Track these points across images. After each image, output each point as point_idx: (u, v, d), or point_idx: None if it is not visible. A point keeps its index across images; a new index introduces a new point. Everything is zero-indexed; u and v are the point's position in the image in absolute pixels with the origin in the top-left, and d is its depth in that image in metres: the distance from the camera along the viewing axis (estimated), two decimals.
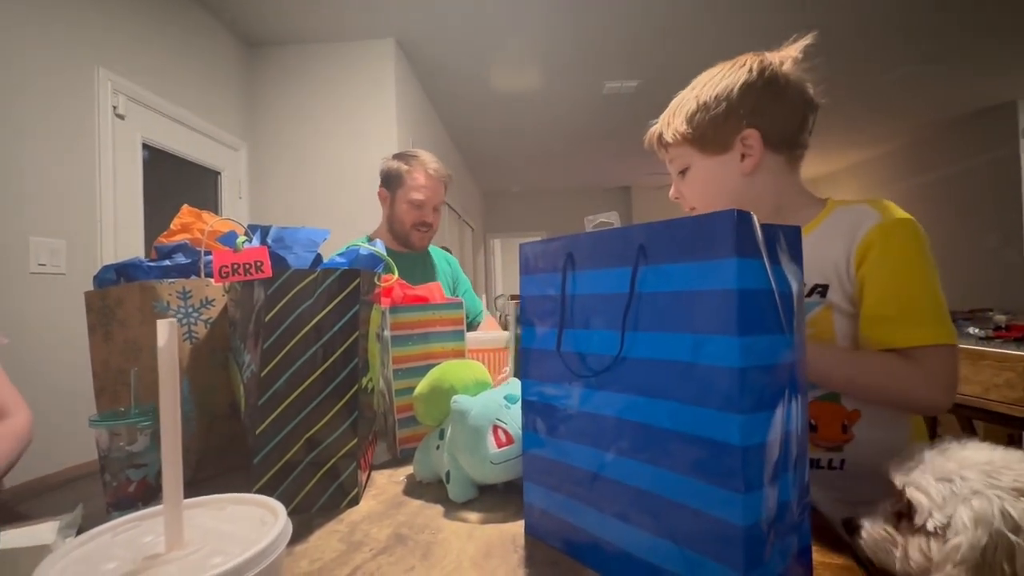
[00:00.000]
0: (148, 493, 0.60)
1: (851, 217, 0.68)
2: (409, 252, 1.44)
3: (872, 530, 0.45)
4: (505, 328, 1.11)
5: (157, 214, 2.18)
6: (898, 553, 0.42)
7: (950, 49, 3.35)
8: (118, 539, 0.25)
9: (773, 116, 0.68)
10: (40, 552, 0.45)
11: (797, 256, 0.41)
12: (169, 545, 0.24)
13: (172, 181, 2.37)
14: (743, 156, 0.70)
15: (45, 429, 1.71)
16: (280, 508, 0.27)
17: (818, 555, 0.44)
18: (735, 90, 0.68)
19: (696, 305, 0.36)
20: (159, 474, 0.61)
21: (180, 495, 0.25)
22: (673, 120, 0.73)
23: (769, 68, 0.68)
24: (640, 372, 0.41)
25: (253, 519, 0.26)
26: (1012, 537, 0.36)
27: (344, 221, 2.85)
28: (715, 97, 0.69)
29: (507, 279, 9.25)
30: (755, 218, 0.36)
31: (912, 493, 0.42)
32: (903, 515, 0.44)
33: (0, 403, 0.85)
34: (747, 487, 0.34)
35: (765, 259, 0.36)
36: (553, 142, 5.17)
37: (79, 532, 0.55)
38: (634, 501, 0.41)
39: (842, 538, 0.49)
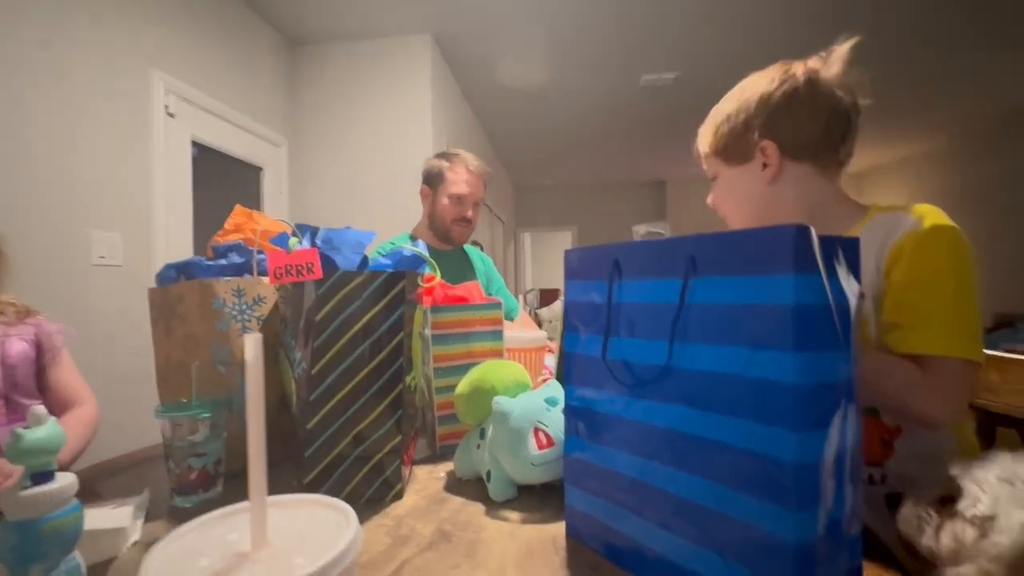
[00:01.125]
0: (208, 481, 0.64)
1: (888, 223, 0.66)
2: (448, 250, 1.47)
3: (913, 507, 0.44)
4: (538, 324, 1.11)
5: (204, 209, 2.28)
6: (929, 531, 0.42)
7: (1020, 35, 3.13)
8: (207, 535, 0.28)
9: (791, 127, 0.69)
10: (117, 534, 0.49)
11: (855, 268, 0.39)
12: (255, 544, 0.26)
13: (218, 177, 2.47)
14: (764, 165, 0.71)
15: (108, 414, 1.83)
16: (351, 513, 0.28)
17: (869, 573, 0.43)
18: (753, 102, 0.70)
19: (751, 319, 0.36)
20: (217, 463, 0.65)
21: (265, 497, 0.27)
22: (704, 131, 0.76)
23: (791, 79, 0.69)
24: (689, 383, 0.40)
25: (327, 522, 0.28)
26: None
27: (382, 215, 2.91)
28: (736, 109, 0.72)
29: (537, 273, 9.25)
30: (813, 232, 0.35)
31: (964, 483, 0.42)
32: (948, 500, 0.43)
33: (71, 393, 0.92)
34: (799, 505, 0.34)
35: (823, 273, 0.36)
36: (587, 135, 5.12)
37: (146, 514, 0.59)
38: (678, 510, 0.41)
39: (893, 555, 0.48)
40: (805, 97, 0.68)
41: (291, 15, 2.76)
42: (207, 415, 0.63)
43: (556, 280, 9.09)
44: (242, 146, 2.58)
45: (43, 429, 0.42)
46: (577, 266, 0.51)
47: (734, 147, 0.73)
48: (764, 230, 0.36)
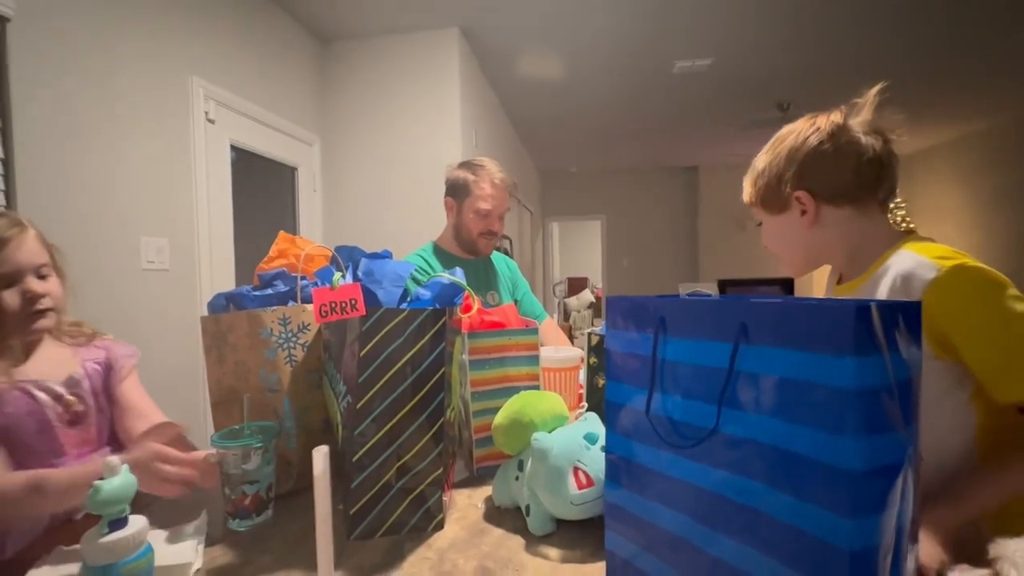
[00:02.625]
0: (260, 505, 0.67)
1: (899, 273, 0.67)
2: (473, 259, 1.46)
3: None
4: (564, 327, 1.11)
5: (243, 210, 2.35)
6: None
7: None
8: None
9: (821, 176, 0.73)
10: (184, 569, 0.52)
11: (916, 336, 0.38)
12: None
13: (254, 178, 2.54)
14: (803, 212, 0.75)
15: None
16: None
17: None
18: (783, 156, 0.75)
19: (808, 396, 0.35)
20: (268, 488, 0.68)
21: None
22: (745, 183, 0.81)
23: (816, 132, 0.73)
24: (737, 450, 0.40)
25: None
26: None
27: (413, 210, 2.94)
28: (768, 164, 0.77)
29: (565, 263, 9.20)
30: (874, 309, 0.34)
31: (1003, 567, 0.40)
32: None
33: (143, 417, 0.91)
34: None
35: (885, 352, 0.34)
36: (617, 123, 5.01)
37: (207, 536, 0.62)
38: (722, 574, 0.41)
39: None
40: (830, 148, 0.72)
41: (321, 14, 2.78)
42: (260, 444, 0.65)
43: (584, 268, 9.02)
44: (277, 147, 2.63)
45: (118, 479, 0.45)
46: (620, 316, 0.51)
47: (772, 199, 0.77)
48: (822, 307, 0.35)
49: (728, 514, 0.41)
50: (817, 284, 5.81)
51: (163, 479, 0.61)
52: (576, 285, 8.27)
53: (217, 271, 2.16)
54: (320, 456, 0.26)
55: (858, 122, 0.72)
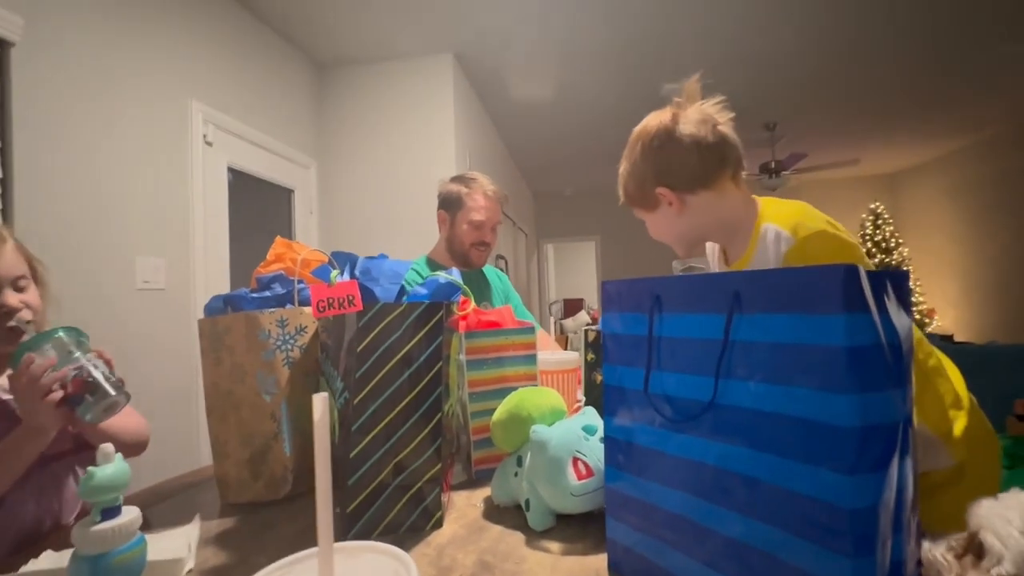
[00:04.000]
0: (86, 387, 0.66)
1: (772, 238, 0.76)
2: (465, 271, 1.47)
3: (930, 551, 0.42)
4: (558, 339, 1.11)
5: (239, 231, 2.37)
6: None
7: None
8: None
9: (673, 171, 0.80)
10: (175, 564, 0.51)
11: (905, 302, 0.39)
12: None
13: (251, 199, 2.56)
14: (669, 204, 0.83)
15: (155, 434, 1.89)
16: (412, 564, 0.29)
17: None
18: (638, 160, 0.83)
19: (801, 359, 0.36)
20: (89, 373, 0.66)
21: (332, 548, 0.28)
22: (619, 189, 0.89)
23: (656, 134, 0.80)
24: (736, 420, 0.40)
25: (388, 570, 0.29)
26: None
27: (408, 230, 2.96)
28: (629, 170, 0.85)
29: (560, 285, 9.23)
30: (863, 270, 0.35)
31: (987, 537, 0.40)
32: (968, 551, 0.41)
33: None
34: (857, 551, 0.33)
35: (874, 312, 0.35)
36: (608, 144, 5.11)
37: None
38: (726, 550, 0.41)
39: None
40: (667, 143, 0.79)
41: (318, 40, 2.86)
42: (58, 335, 0.67)
43: (579, 290, 9.04)
44: (274, 169, 2.67)
45: (111, 467, 0.44)
46: (616, 298, 0.52)
47: (641, 199, 0.86)
48: (812, 269, 0.36)
49: (729, 487, 0.41)
50: None
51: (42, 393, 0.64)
52: (572, 307, 8.27)
53: (213, 291, 2.15)
54: (320, 401, 0.26)
55: (687, 115, 0.79)
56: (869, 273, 0.36)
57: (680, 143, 0.78)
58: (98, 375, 0.66)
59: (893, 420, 0.35)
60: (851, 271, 0.34)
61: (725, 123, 0.80)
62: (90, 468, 0.43)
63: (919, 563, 0.38)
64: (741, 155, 0.81)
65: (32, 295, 0.80)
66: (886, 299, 0.37)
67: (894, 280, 0.38)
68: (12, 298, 0.76)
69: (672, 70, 3.45)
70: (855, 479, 0.33)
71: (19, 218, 1.47)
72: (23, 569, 0.52)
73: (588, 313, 7.80)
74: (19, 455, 0.69)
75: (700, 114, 0.79)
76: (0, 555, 0.69)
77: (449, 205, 1.45)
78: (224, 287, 2.24)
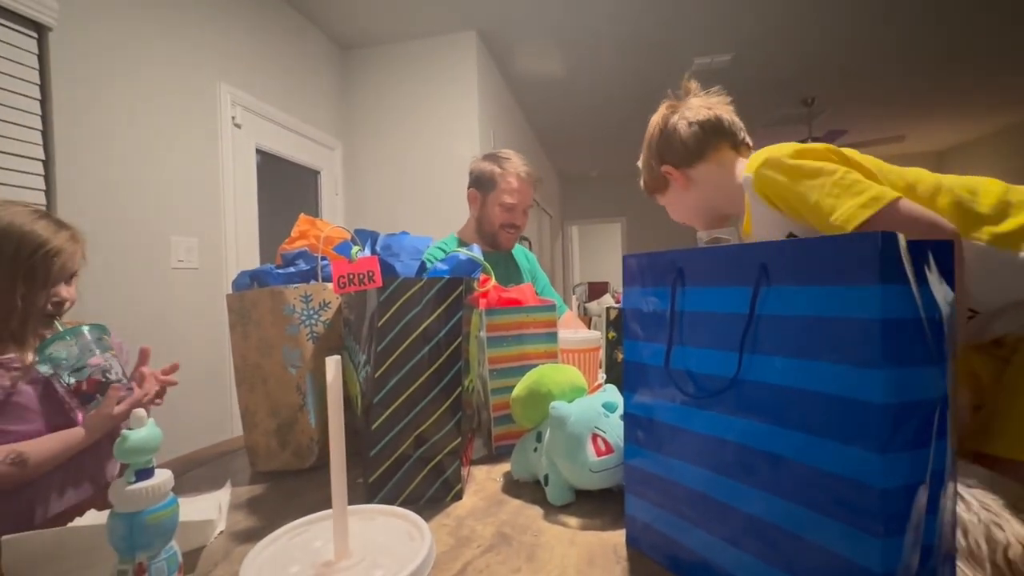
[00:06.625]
0: (101, 387, 0.79)
1: (749, 194, 0.81)
2: (494, 251, 1.46)
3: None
4: (583, 320, 1.10)
5: (267, 212, 2.42)
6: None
7: None
8: (294, 543, 0.29)
9: (673, 149, 0.92)
10: (207, 525, 0.53)
11: (948, 275, 0.36)
12: (337, 554, 0.27)
13: (279, 181, 2.60)
14: (676, 180, 0.94)
15: (189, 408, 1.98)
16: (424, 525, 0.29)
17: None
18: (647, 149, 0.96)
19: (833, 333, 0.34)
20: (106, 372, 0.73)
21: (346, 510, 0.28)
22: (641, 180, 1.02)
23: (661, 119, 0.93)
24: (760, 396, 0.39)
25: (401, 532, 0.29)
26: None
27: (433, 210, 2.98)
28: (644, 158, 0.98)
29: (585, 267, 9.15)
30: (901, 238, 0.33)
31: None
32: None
33: None
34: (887, 532, 0.32)
35: (913, 283, 0.33)
36: (635, 122, 4.98)
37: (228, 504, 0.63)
38: (748, 528, 0.40)
39: None
40: (666, 129, 0.92)
41: (342, 21, 2.86)
42: (67, 338, 0.76)
43: (604, 273, 8.95)
44: (300, 151, 2.70)
45: (144, 430, 0.46)
46: (637, 272, 0.50)
47: (654, 183, 0.98)
48: (846, 237, 0.34)
49: (752, 464, 0.39)
50: None
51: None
52: (596, 290, 8.20)
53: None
54: (332, 363, 0.27)
55: (684, 105, 0.91)
56: (909, 243, 0.34)
57: (676, 126, 0.91)
58: (112, 376, 0.73)
59: (930, 397, 0.33)
60: (888, 238, 0.32)
61: (720, 107, 0.90)
62: (124, 431, 0.45)
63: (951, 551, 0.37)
64: (739, 126, 0.90)
65: (74, 288, 0.90)
66: (927, 270, 0.35)
67: (936, 250, 0.36)
68: (66, 291, 0.88)
69: (703, 45, 3.32)
70: (887, 457, 0.31)
71: (61, 198, 1.54)
72: (70, 524, 0.56)
73: (612, 296, 7.73)
74: (66, 451, 0.81)
75: (696, 102, 0.91)
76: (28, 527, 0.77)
77: (481, 184, 1.41)
78: (254, 267, 2.30)
